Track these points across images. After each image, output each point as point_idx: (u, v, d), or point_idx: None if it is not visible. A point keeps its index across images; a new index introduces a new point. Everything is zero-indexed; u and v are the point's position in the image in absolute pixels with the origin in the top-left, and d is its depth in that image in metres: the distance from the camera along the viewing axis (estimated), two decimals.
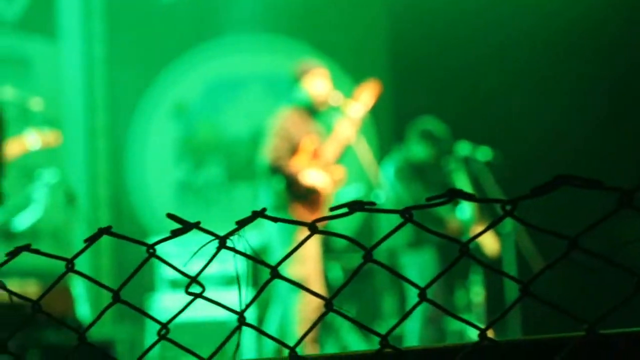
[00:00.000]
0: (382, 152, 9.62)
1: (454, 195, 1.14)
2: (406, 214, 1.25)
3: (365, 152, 6.83)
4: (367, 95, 7.13)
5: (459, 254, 1.26)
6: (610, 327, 1.27)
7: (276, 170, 6.51)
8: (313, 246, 6.70)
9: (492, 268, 1.20)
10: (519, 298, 1.24)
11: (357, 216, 10.13)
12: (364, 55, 10.96)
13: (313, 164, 6.71)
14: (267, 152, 6.60)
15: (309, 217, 6.58)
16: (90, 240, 1.48)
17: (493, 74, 10.18)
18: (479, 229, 7.77)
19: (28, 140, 7.64)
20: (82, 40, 11.36)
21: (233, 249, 1.40)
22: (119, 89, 11.39)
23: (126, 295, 1.58)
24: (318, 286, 6.68)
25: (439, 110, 8.65)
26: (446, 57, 10.37)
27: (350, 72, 10.86)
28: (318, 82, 6.83)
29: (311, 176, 6.61)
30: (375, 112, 10.31)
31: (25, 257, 1.67)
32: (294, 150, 6.64)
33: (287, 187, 6.56)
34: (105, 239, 1.51)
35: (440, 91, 10.22)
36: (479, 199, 1.19)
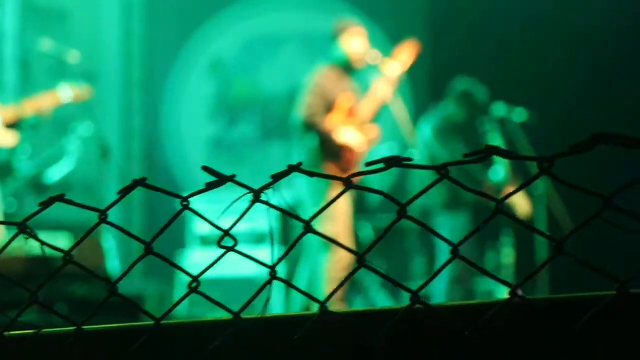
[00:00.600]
0: (418, 111, 9.58)
1: (492, 152, 1.13)
2: (442, 170, 1.24)
3: (401, 112, 6.80)
4: (405, 54, 7.09)
5: (493, 212, 1.25)
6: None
7: (310, 127, 6.50)
8: (345, 204, 6.70)
9: (525, 225, 1.19)
10: (552, 256, 1.23)
11: (390, 176, 10.11)
12: (402, 15, 10.89)
13: (348, 123, 6.69)
14: (302, 109, 6.58)
15: (342, 175, 6.56)
16: (124, 192, 1.47)
17: (532, 35, 10.11)
18: (511, 189, 7.75)
19: (61, 94, 7.66)
20: None
21: (267, 203, 1.39)
22: (156, 44, 11.40)
23: (157, 250, 1.59)
24: (348, 244, 6.69)
25: (476, 70, 8.60)
26: (485, 17, 10.29)
27: (388, 32, 10.79)
28: (355, 41, 6.80)
29: (346, 134, 6.60)
30: (413, 72, 10.25)
31: (57, 210, 1.67)
32: (329, 108, 6.63)
33: (321, 144, 6.55)
34: (137, 193, 1.51)
35: (478, 52, 10.15)
36: (517, 156, 1.17)
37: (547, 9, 10.12)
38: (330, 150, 6.58)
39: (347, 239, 6.69)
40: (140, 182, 1.49)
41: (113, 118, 11.06)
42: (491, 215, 1.25)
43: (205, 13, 11.38)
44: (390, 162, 1.26)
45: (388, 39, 10.64)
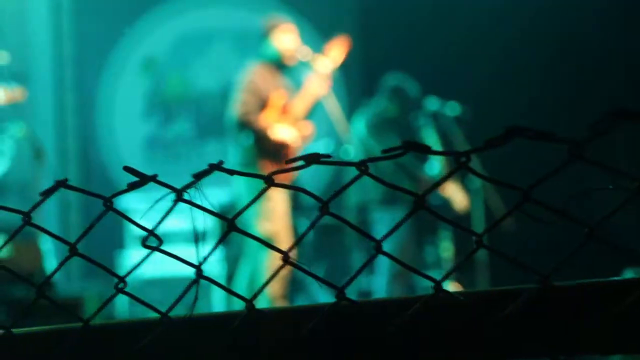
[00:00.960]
0: (351, 107, 9.60)
1: (409, 147, 1.14)
2: (362, 166, 1.25)
3: (334, 108, 6.81)
4: (336, 50, 7.10)
5: (412, 208, 1.25)
6: (566, 280, 1.28)
7: (245, 125, 6.49)
8: (282, 202, 6.70)
9: (445, 219, 1.20)
10: (473, 250, 1.24)
11: (326, 173, 10.15)
12: (332, 11, 10.91)
13: (282, 120, 6.69)
14: (236, 107, 6.57)
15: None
16: (46, 193, 1.46)
17: (462, 29, 10.17)
18: (448, 184, 7.80)
19: None
20: None
21: (190, 202, 1.39)
22: (87, 42, 11.31)
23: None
24: (287, 242, 6.69)
25: (408, 66, 8.63)
26: (416, 12, 10.34)
27: (319, 28, 10.81)
28: (286, 37, 6.80)
29: (280, 131, 6.60)
30: (345, 68, 10.28)
31: None
32: (262, 105, 6.62)
33: (256, 142, 6.54)
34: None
35: (409, 47, 10.19)
36: (434, 151, 1.18)
37: (476, 0, 10.20)
38: (265, 147, 6.58)
39: (285, 237, 6.69)
40: (62, 184, 1.48)
41: (46, 118, 10.96)
42: (411, 211, 1.26)
43: (137, 10, 11.31)
44: (310, 159, 1.26)
45: (319, 36, 10.66)
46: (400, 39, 10.29)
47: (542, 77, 9.88)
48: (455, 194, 7.89)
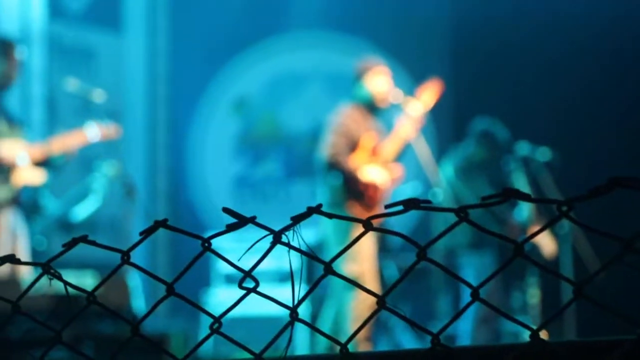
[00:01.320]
0: (441, 151, 9.58)
1: (509, 195, 1.14)
2: (461, 212, 1.25)
3: (424, 151, 6.80)
4: (428, 94, 7.09)
5: (512, 255, 1.25)
6: None
7: (334, 166, 6.49)
8: (368, 244, 6.68)
9: (545, 268, 1.19)
10: (571, 300, 1.23)
11: (414, 215, 10.12)
12: (425, 55, 10.92)
13: (372, 162, 6.68)
14: (326, 148, 6.57)
15: (365, 215, 6.57)
16: (146, 233, 1.49)
17: (553, 74, 10.12)
18: (533, 232, 7.72)
19: (88, 132, 7.72)
20: (146, 32, 11.47)
21: (288, 244, 1.40)
22: (180, 83, 11.47)
23: (181, 289, 1.59)
24: (373, 284, 6.67)
25: (498, 110, 8.59)
26: (508, 57, 10.31)
27: (411, 71, 10.83)
28: (379, 80, 6.80)
29: (369, 173, 6.59)
30: (435, 111, 10.27)
31: (82, 249, 1.69)
32: (353, 146, 6.62)
33: (345, 183, 6.54)
34: (162, 232, 1.53)
35: (500, 91, 10.16)
36: (534, 198, 1.18)
37: (566, 48, 10.13)
38: (354, 189, 6.57)
39: (371, 279, 6.67)
40: (161, 224, 1.50)
41: (138, 156, 11.12)
42: (510, 259, 1.26)
43: (229, 51, 11.45)
44: (409, 204, 1.27)
45: (411, 79, 10.69)
46: (490, 82, 10.26)
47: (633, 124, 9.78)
48: (544, 240, 7.80)
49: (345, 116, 6.68)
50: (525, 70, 10.20)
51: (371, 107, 6.77)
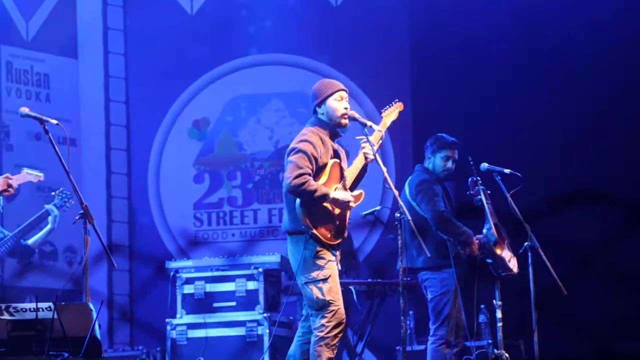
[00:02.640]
0: (401, 171, 9.59)
1: None
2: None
3: (385, 171, 6.74)
4: (388, 115, 7.05)
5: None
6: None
7: (296, 188, 6.43)
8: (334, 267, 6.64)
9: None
10: None
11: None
12: (383, 75, 10.91)
13: (334, 184, 6.63)
14: (290, 170, 6.51)
15: (329, 235, 6.51)
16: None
17: (515, 97, 10.18)
18: (499, 248, 7.70)
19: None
20: (101, 58, 11.38)
21: None
22: (137, 108, 11.40)
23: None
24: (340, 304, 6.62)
25: (458, 131, 8.57)
26: (467, 77, 10.34)
27: (370, 92, 10.82)
28: (339, 102, 6.75)
29: (332, 195, 6.53)
30: (395, 134, 10.29)
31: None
32: (317, 169, 6.56)
33: (308, 205, 6.47)
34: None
35: (459, 111, 10.19)
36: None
37: (529, 70, 10.20)
38: (320, 210, 6.51)
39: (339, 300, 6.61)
40: None
41: (95, 182, 11.01)
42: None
43: (187, 75, 11.39)
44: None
45: (370, 100, 10.70)
46: (450, 103, 10.29)
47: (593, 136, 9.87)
48: (510, 256, 7.79)
49: (308, 139, 6.62)
50: (485, 90, 10.23)
51: (332, 129, 6.72)
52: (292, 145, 6.63)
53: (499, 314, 7.74)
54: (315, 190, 6.41)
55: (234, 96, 11.36)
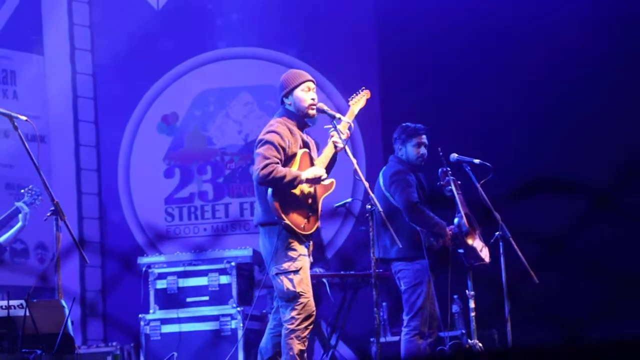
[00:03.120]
0: (371, 164, 9.60)
1: None
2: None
3: (354, 162, 6.75)
4: (356, 104, 7.07)
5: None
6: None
7: (268, 176, 6.43)
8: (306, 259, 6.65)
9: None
10: None
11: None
12: (352, 66, 10.92)
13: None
14: (258, 162, 6.52)
15: (301, 225, 6.53)
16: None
17: (482, 86, 10.23)
18: (470, 238, 7.73)
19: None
20: (68, 53, 11.32)
21: None
22: (106, 103, 11.35)
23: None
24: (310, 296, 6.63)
25: (428, 121, 8.60)
26: (436, 71, 10.37)
27: (339, 83, 10.83)
28: (306, 91, 6.76)
29: (303, 176, 6.55)
30: (364, 124, 10.31)
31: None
32: (285, 159, 6.57)
33: (280, 195, 6.48)
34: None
35: (429, 102, 10.23)
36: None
37: (493, 60, 10.26)
38: (291, 197, 6.53)
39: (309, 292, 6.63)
40: None
41: (65, 179, 10.95)
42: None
43: (155, 70, 11.36)
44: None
45: (339, 90, 10.71)
46: (419, 94, 10.32)
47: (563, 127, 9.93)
48: (481, 247, 7.82)
49: (275, 129, 6.63)
50: (454, 80, 10.27)
51: (299, 120, 6.73)
52: (259, 137, 6.65)
53: (471, 304, 7.77)
54: (285, 175, 6.44)
55: (202, 90, 11.33)
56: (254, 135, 7.14)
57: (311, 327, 6.54)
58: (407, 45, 10.48)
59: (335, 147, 6.73)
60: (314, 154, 6.80)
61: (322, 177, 6.62)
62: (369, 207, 6.74)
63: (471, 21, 10.30)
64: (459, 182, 7.88)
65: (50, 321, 6.06)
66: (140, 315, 8.97)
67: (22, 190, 8.49)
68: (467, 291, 7.81)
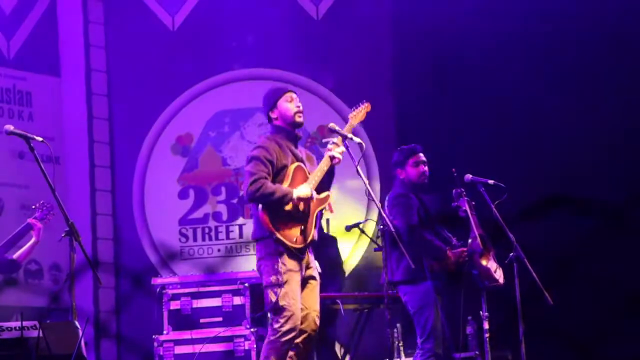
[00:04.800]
0: (386, 186, 9.59)
1: None
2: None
3: (366, 184, 6.74)
4: (355, 117, 7.08)
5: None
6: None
7: (254, 194, 6.48)
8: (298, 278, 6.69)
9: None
10: None
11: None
12: (367, 90, 10.93)
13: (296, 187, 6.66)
14: (245, 182, 6.58)
15: (293, 239, 6.56)
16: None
17: (498, 105, 10.22)
18: (484, 259, 7.72)
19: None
20: (83, 74, 11.36)
21: None
22: (121, 124, 11.38)
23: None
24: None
25: (442, 141, 8.62)
26: (451, 93, 10.37)
27: (352, 105, 10.82)
28: (289, 102, 6.81)
29: (294, 194, 6.57)
30: (379, 148, 10.33)
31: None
32: (277, 175, 6.61)
33: (270, 210, 6.51)
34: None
35: (444, 126, 10.23)
36: None
37: (509, 78, 10.25)
38: (282, 214, 6.55)
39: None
40: None
41: (79, 200, 10.98)
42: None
43: (169, 92, 11.38)
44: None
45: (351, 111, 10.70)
46: (433, 113, 10.31)
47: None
48: (495, 267, 7.81)
49: (260, 144, 6.69)
50: (470, 101, 10.27)
51: (289, 132, 6.77)
52: (250, 154, 6.72)
53: (485, 325, 7.75)
54: (275, 191, 6.49)
55: (217, 111, 11.34)
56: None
57: (293, 341, 6.58)
58: (422, 65, 10.49)
59: (332, 159, 6.75)
60: (310, 167, 6.84)
61: (312, 198, 6.63)
62: (382, 227, 6.75)
63: (488, 40, 10.29)
64: (473, 203, 7.88)
65: (64, 342, 6.06)
66: (153, 336, 8.96)
67: (34, 206, 8.53)
68: (481, 312, 7.79)
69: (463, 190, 7.84)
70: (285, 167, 6.68)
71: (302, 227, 6.63)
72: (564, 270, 9.52)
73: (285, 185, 6.60)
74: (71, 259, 6.15)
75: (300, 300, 6.65)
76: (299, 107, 6.81)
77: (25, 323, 6.06)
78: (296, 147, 6.86)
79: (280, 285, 6.54)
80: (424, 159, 8.05)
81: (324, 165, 6.76)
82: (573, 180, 9.88)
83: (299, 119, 6.80)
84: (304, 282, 6.72)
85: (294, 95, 6.87)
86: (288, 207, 6.56)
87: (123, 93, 11.39)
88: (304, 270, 6.70)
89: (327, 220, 10.60)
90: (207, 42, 11.38)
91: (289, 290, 6.55)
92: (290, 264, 6.58)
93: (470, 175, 7.90)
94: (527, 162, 10.10)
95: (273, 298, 6.55)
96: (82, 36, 11.39)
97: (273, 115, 6.84)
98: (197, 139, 11.34)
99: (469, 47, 10.30)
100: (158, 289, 9.07)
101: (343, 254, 10.56)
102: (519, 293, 7.47)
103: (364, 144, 6.83)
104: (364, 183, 6.63)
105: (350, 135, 6.78)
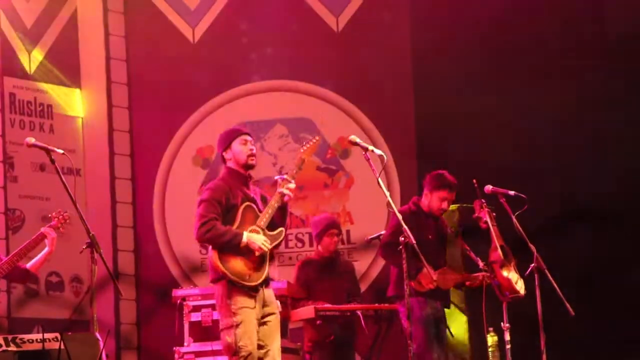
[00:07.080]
0: (405, 197, 9.57)
1: None
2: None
3: (388, 196, 6.73)
4: (306, 152, 7.02)
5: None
6: None
7: (204, 236, 6.49)
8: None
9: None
10: None
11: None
12: (387, 102, 10.94)
13: (248, 226, 6.63)
14: (195, 223, 6.57)
15: (245, 277, 6.52)
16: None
17: (520, 118, 10.22)
18: (505, 270, 7.70)
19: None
20: (104, 87, 11.39)
21: None
22: (141, 137, 11.40)
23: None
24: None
25: (463, 156, 8.61)
26: (472, 104, 10.35)
27: (373, 117, 10.82)
28: (243, 144, 6.81)
29: (245, 237, 6.54)
30: (400, 162, 10.33)
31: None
32: (225, 210, 6.60)
33: (223, 252, 6.50)
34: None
35: (464, 138, 10.22)
36: None
37: (525, 92, 10.26)
38: (232, 251, 6.52)
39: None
40: None
41: (100, 212, 11.00)
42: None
43: (190, 104, 11.41)
44: None
45: (373, 124, 10.69)
46: (456, 127, 10.30)
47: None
48: (514, 278, 7.79)
49: (208, 187, 6.71)
50: (489, 113, 10.25)
51: (241, 175, 6.76)
52: (199, 198, 6.74)
53: (507, 337, 7.72)
54: (225, 233, 6.49)
55: (237, 123, 11.36)
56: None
57: None
58: (443, 78, 10.47)
59: (282, 197, 6.72)
60: (256, 207, 6.79)
61: (261, 249, 6.58)
62: (402, 239, 6.73)
63: (507, 53, 10.29)
64: (494, 214, 7.86)
65: (85, 354, 6.07)
66: (174, 348, 8.95)
67: (49, 215, 8.55)
68: (502, 323, 7.76)
69: (484, 201, 7.83)
70: (235, 206, 6.66)
71: (255, 263, 6.60)
72: (587, 282, 9.50)
73: (235, 226, 6.59)
74: (92, 271, 6.16)
75: (260, 338, 6.63)
76: (252, 149, 6.81)
77: (46, 335, 6.07)
78: (248, 187, 6.84)
79: (236, 326, 6.52)
80: (452, 198, 8.08)
81: (275, 202, 6.73)
82: (594, 191, 9.86)
83: (251, 161, 6.80)
84: (263, 319, 6.70)
85: (248, 138, 6.88)
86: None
87: (144, 105, 11.43)
88: (260, 307, 6.67)
89: (348, 232, 10.59)
90: (227, 54, 11.41)
91: (245, 330, 6.53)
92: (245, 301, 6.55)
93: (491, 186, 7.88)
94: (549, 174, 10.08)
95: (229, 340, 6.53)
96: (103, 48, 11.43)
97: (227, 156, 6.85)
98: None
99: (490, 57, 10.30)
100: (179, 301, 9.06)
101: (363, 265, 10.54)
102: (541, 304, 7.45)
103: (385, 155, 6.80)
104: (385, 195, 6.62)
105: (371, 148, 6.78)
